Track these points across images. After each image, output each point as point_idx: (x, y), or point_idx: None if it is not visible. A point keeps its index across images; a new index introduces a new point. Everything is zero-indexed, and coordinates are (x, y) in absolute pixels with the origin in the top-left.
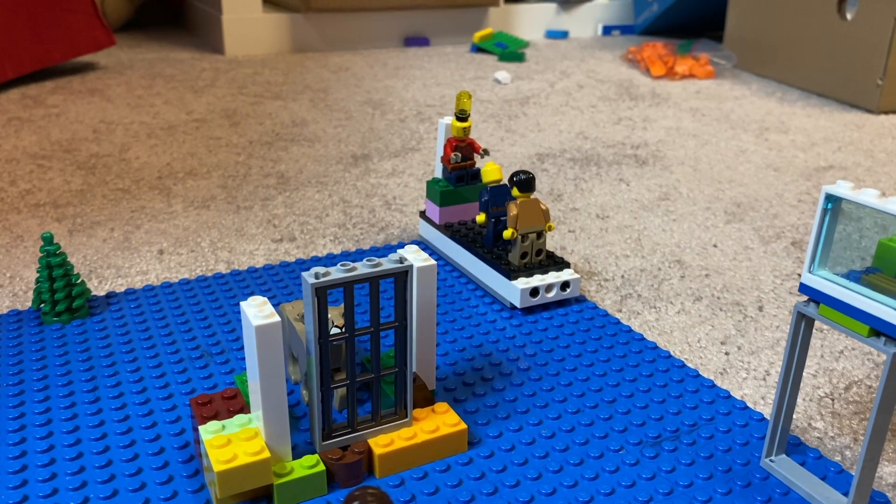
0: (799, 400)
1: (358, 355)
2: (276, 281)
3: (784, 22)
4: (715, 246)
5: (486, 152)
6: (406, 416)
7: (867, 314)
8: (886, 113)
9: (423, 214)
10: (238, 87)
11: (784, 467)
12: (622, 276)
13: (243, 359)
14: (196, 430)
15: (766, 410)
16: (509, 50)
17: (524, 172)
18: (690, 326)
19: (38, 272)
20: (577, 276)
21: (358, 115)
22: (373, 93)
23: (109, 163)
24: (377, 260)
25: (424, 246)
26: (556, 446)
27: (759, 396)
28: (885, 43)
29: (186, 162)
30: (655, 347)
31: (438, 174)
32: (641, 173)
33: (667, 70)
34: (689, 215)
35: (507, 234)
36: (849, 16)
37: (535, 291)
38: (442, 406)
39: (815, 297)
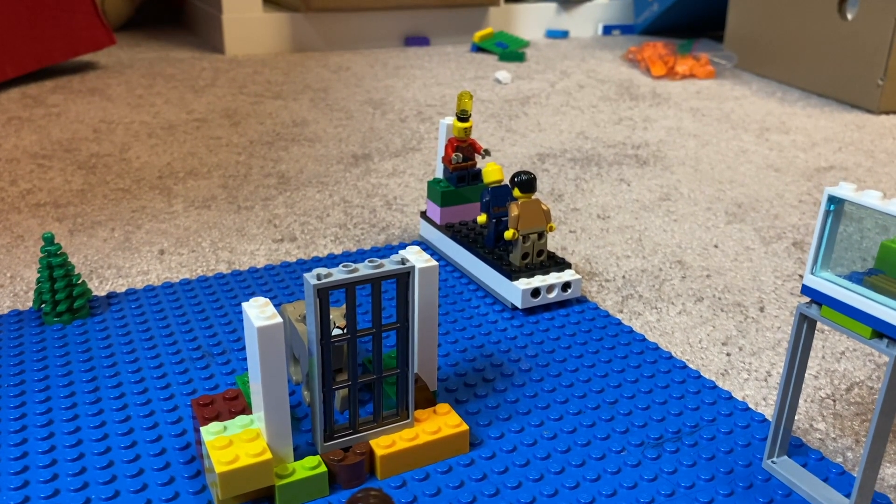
0: (800, 401)
1: (359, 356)
2: (278, 281)
3: (784, 22)
4: (716, 246)
5: (487, 153)
6: (408, 417)
7: (870, 316)
8: (887, 113)
9: (423, 215)
10: (238, 87)
11: (786, 469)
12: (623, 277)
13: (245, 359)
14: (197, 430)
15: (768, 411)
16: (510, 50)
17: (525, 173)
18: (692, 327)
19: (38, 272)
20: (578, 276)
21: (358, 114)
22: (373, 92)
23: (110, 162)
24: (379, 261)
25: (425, 246)
26: (558, 447)
27: (761, 397)
28: (885, 43)
29: (187, 162)
30: (657, 348)
31: (439, 174)
32: (642, 173)
33: (667, 70)
34: (690, 216)
35: (508, 234)
36: (849, 16)
37: (536, 292)
38: (443, 407)
39: (818, 298)
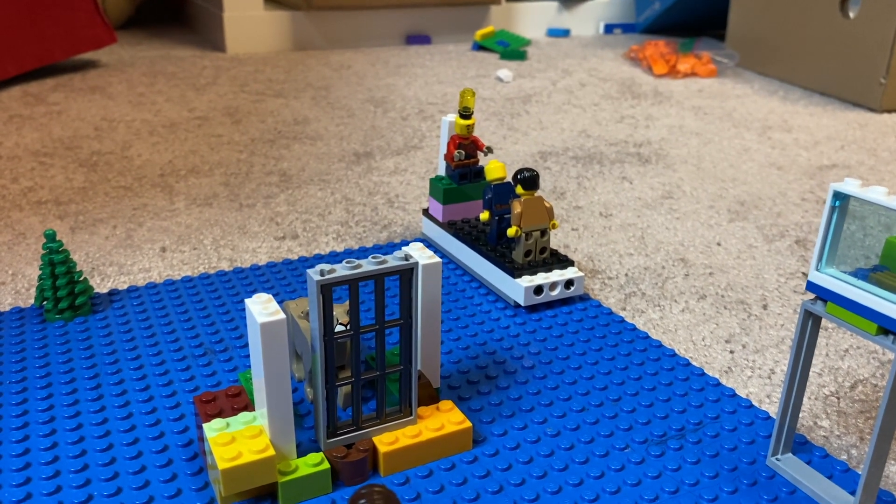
0: (804, 398)
1: (362, 353)
2: (280, 279)
3: (786, 20)
4: (719, 244)
5: (489, 150)
6: (411, 414)
7: (875, 312)
8: (889, 111)
9: (426, 212)
10: (240, 85)
11: (790, 466)
12: (626, 275)
13: (247, 356)
14: (200, 427)
15: (772, 409)
16: (511, 48)
17: (528, 170)
18: (695, 325)
19: (40, 269)
20: (580, 274)
21: (360, 112)
22: (375, 91)
23: (111, 160)
24: (382, 257)
25: (427, 244)
26: (562, 444)
27: (765, 395)
28: (887, 41)
29: (188, 159)
30: (660, 346)
31: (441, 172)
32: (644, 171)
33: (669, 68)
34: (693, 213)
35: (510, 231)
36: (851, 14)
37: (538, 289)
38: (446, 404)
39: (823, 295)
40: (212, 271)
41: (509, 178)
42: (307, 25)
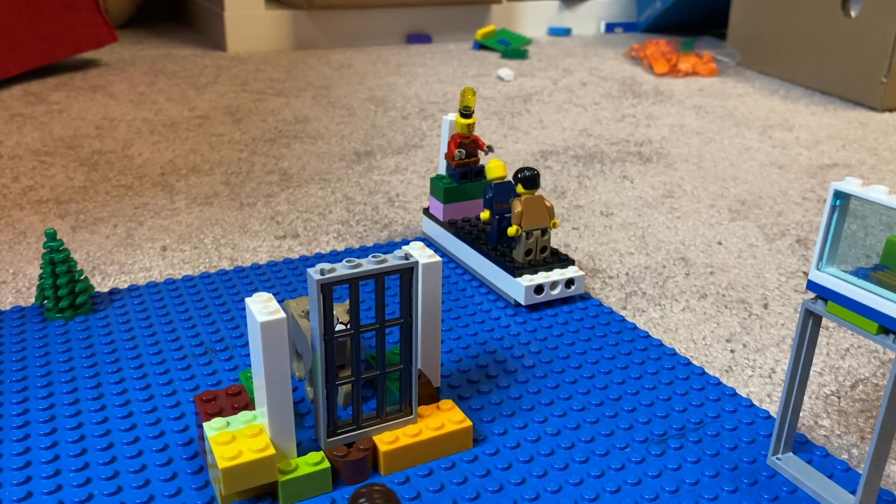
0: (805, 398)
1: (363, 352)
2: (280, 278)
3: (787, 19)
4: (719, 243)
5: (490, 149)
6: (411, 413)
7: (876, 311)
8: (890, 111)
9: (426, 211)
10: (240, 84)
11: (791, 465)
12: (626, 274)
13: (247, 355)
14: (200, 426)
15: (772, 408)
16: (512, 47)
17: (529, 169)
18: (695, 324)
19: (41, 268)
20: (581, 273)
21: (360, 111)
22: (375, 90)
23: (112, 159)
24: (383, 256)
25: (428, 243)
26: (562, 444)
27: (765, 394)
28: (889, 40)
29: (189, 159)
30: (661, 345)
31: (442, 171)
32: (645, 171)
33: (670, 67)
34: (694, 213)
35: (511, 230)
36: (853, 13)
37: (539, 288)
38: (447, 403)
39: (824, 294)
40: (212, 270)
41: (510, 178)
42: (308, 24)
